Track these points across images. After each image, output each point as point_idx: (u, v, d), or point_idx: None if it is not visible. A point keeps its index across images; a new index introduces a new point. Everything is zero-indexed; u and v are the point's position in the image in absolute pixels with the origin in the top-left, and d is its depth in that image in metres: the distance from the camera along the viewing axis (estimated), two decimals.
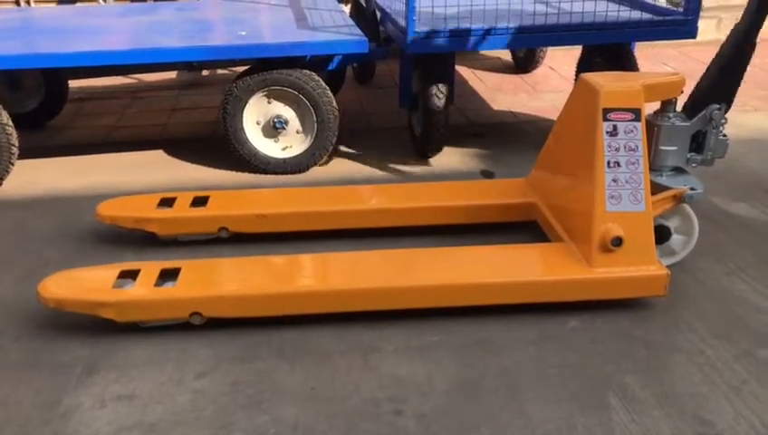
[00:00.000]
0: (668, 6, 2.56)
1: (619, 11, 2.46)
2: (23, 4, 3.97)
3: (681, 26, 2.47)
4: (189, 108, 3.40)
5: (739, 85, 1.81)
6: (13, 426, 1.44)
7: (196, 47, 2.37)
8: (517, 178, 2.25)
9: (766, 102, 3.41)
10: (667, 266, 1.74)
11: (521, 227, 2.09)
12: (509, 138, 2.99)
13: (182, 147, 2.88)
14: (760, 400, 1.49)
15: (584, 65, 2.92)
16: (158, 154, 2.83)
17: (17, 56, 2.36)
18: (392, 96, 2.81)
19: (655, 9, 2.60)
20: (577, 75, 3.03)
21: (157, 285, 1.61)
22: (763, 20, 1.76)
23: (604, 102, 1.69)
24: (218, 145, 2.64)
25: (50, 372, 1.58)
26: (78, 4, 3.88)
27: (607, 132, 1.69)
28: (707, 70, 1.83)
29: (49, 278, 1.65)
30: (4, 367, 1.60)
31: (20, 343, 1.68)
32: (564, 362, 1.59)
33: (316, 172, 2.62)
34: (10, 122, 2.44)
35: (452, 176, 2.58)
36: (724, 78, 1.79)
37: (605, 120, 1.69)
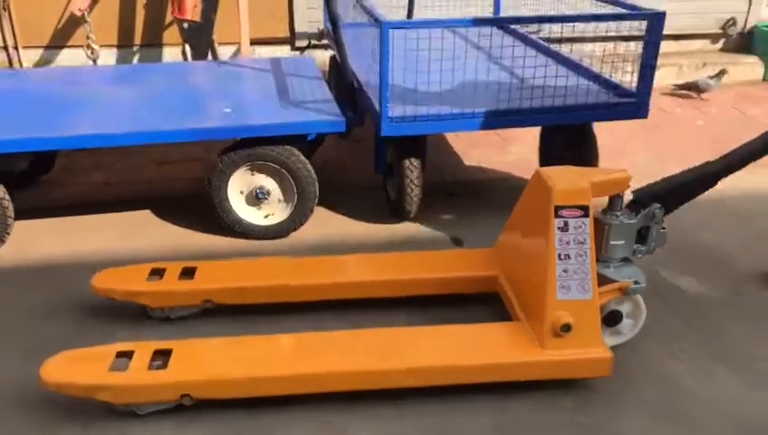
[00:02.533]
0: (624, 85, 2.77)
1: (577, 92, 2.66)
2: (15, 63, 4.12)
3: (634, 108, 2.68)
4: (177, 160, 3.53)
5: (685, 202, 2.03)
6: None
7: (187, 130, 2.53)
8: (482, 248, 2.43)
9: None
10: (614, 347, 1.93)
11: (486, 297, 2.26)
12: (478, 198, 3.17)
13: (170, 207, 3.01)
14: None
15: (548, 134, 3.15)
16: (147, 216, 2.96)
17: (13, 141, 2.49)
18: (370, 151, 2.98)
19: (611, 86, 2.80)
20: (541, 141, 3.25)
21: (150, 368, 1.75)
22: (744, 166, 2.00)
23: (556, 200, 1.87)
24: (204, 205, 2.77)
25: None
26: (70, 66, 4.03)
27: (558, 228, 1.87)
28: (667, 178, 2.04)
29: (49, 361, 1.78)
30: None
31: (32, 427, 1.80)
32: None
33: (296, 236, 2.78)
34: (7, 196, 2.57)
35: (424, 239, 2.77)
36: (671, 194, 2.00)
37: (557, 216, 1.87)
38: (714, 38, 5.11)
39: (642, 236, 2.06)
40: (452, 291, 2.27)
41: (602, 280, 1.99)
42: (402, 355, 1.87)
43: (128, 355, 1.80)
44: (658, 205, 2.03)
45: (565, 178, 1.92)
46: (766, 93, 4.70)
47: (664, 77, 4.82)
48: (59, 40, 4.25)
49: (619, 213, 2.03)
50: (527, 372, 1.88)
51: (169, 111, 2.73)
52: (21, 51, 4.20)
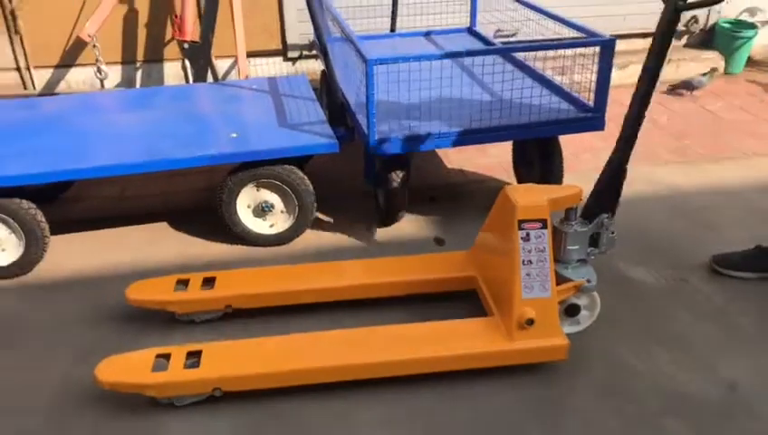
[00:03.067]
0: (584, 100, 3.12)
1: (543, 109, 3.01)
2: (28, 85, 4.43)
3: (593, 121, 3.04)
4: (185, 173, 3.85)
5: (618, 200, 2.38)
6: None
7: (199, 156, 2.87)
8: (461, 250, 2.78)
9: (677, 154, 3.98)
10: (573, 334, 2.31)
11: (466, 294, 2.63)
12: (459, 201, 3.51)
13: (184, 218, 3.34)
14: None
15: (520, 143, 3.51)
16: (164, 227, 3.30)
17: (39, 174, 2.81)
18: (360, 158, 3.30)
19: (573, 101, 3.16)
20: (513, 148, 3.61)
21: (185, 367, 2.13)
22: (631, 146, 2.34)
23: (519, 215, 2.23)
24: (215, 217, 3.09)
25: None
26: (81, 93, 4.33)
27: (522, 238, 2.24)
28: (596, 185, 2.40)
29: (101, 364, 2.14)
30: None
31: (80, 424, 2.16)
32: (487, 422, 2.14)
33: (298, 242, 3.14)
34: (43, 218, 2.91)
35: (409, 242, 3.11)
36: (605, 198, 2.36)
37: (520, 229, 2.23)
38: (677, 35, 5.45)
39: (594, 240, 2.43)
40: (437, 290, 2.64)
41: (561, 279, 2.37)
42: (394, 348, 2.24)
43: (166, 357, 2.16)
44: (606, 214, 2.39)
45: (527, 196, 2.28)
46: (726, 87, 5.06)
47: (631, 75, 5.18)
48: (68, 60, 4.54)
49: (573, 222, 2.39)
50: (499, 359, 2.27)
51: (180, 139, 3.04)
52: (32, 71, 4.51)
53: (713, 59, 5.29)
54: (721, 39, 5.29)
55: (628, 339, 2.48)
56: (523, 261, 2.23)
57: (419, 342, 2.27)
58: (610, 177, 2.35)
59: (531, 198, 2.25)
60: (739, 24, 5.28)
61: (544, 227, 2.24)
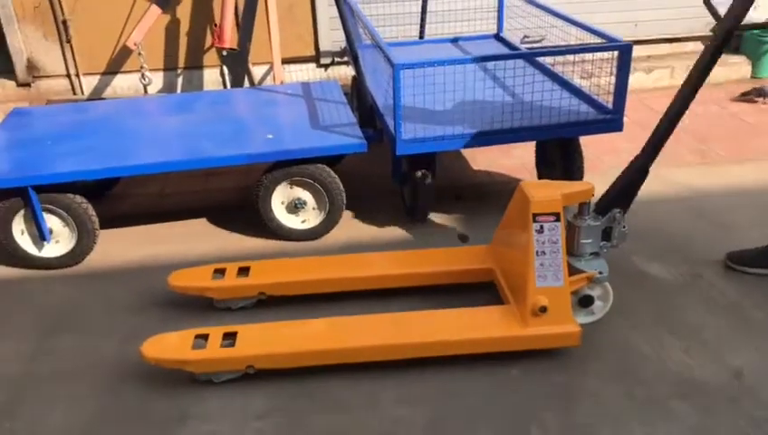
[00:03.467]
0: (604, 103, 3.24)
1: (565, 110, 3.15)
2: (77, 90, 4.71)
3: (611, 123, 3.16)
4: (221, 172, 4.07)
5: (631, 201, 2.51)
6: None
7: (239, 155, 3.08)
8: (483, 244, 2.93)
9: (699, 156, 4.05)
10: (588, 324, 2.44)
11: (484, 285, 2.78)
12: (483, 200, 3.66)
13: (222, 216, 3.54)
14: (631, 427, 2.16)
15: (542, 144, 3.65)
16: (203, 224, 3.52)
17: (86, 171, 3.03)
18: (388, 160, 3.42)
19: (594, 103, 3.29)
20: (536, 149, 3.75)
21: (222, 346, 2.32)
22: (658, 151, 2.46)
23: (534, 209, 2.37)
24: (250, 214, 3.30)
25: (157, 416, 2.28)
26: (128, 98, 4.60)
27: (536, 231, 2.37)
28: (614, 182, 2.52)
29: (147, 342, 2.35)
30: (124, 416, 2.29)
31: (129, 396, 2.37)
32: (505, 402, 2.28)
33: (328, 237, 3.32)
34: (94, 212, 3.14)
35: (434, 238, 3.26)
36: (621, 196, 2.49)
37: (534, 221, 2.37)
38: (703, 40, 5.51)
39: (607, 234, 2.55)
40: (457, 281, 2.79)
41: (575, 271, 2.50)
42: (418, 332, 2.40)
43: (204, 337, 2.36)
44: (618, 209, 2.52)
45: (541, 191, 2.41)
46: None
47: (657, 79, 5.28)
48: (114, 67, 4.82)
49: (587, 217, 2.52)
50: (515, 344, 2.41)
51: (219, 139, 3.26)
52: (81, 77, 4.80)
53: (740, 63, 5.34)
54: (748, 44, 5.35)
55: (641, 328, 2.60)
56: (537, 252, 2.36)
57: (441, 326, 2.42)
58: (632, 177, 2.48)
59: (545, 192, 2.38)
60: (766, 30, 5.32)
61: (557, 220, 2.37)
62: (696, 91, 2.41)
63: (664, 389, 2.32)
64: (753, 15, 5.34)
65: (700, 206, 3.47)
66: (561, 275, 2.36)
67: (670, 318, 2.66)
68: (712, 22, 5.32)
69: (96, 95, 4.86)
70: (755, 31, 5.29)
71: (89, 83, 4.84)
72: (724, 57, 5.34)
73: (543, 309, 2.35)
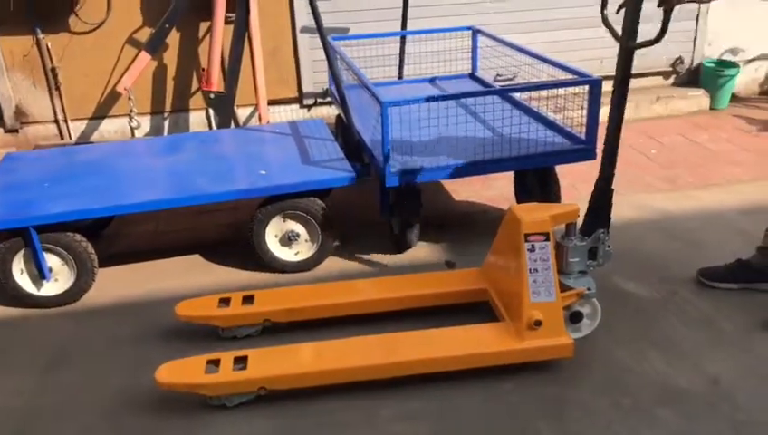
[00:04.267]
0: (577, 133, 3.46)
1: (541, 142, 3.36)
2: (65, 135, 4.81)
3: (585, 152, 3.38)
4: (212, 210, 4.15)
5: (610, 216, 2.70)
6: None
7: (233, 190, 3.21)
8: (473, 267, 3.09)
9: (668, 182, 4.29)
10: (576, 340, 2.60)
11: (477, 307, 2.91)
12: (466, 228, 3.82)
13: (214, 251, 3.64)
14: (618, 432, 2.30)
15: (520, 174, 3.85)
16: (198, 260, 3.62)
17: (85, 210, 3.13)
18: (374, 192, 3.54)
19: (567, 134, 3.50)
20: (515, 179, 3.95)
21: (234, 369, 2.42)
22: (614, 162, 2.68)
23: (525, 229, 2.53)
24: (242, 249, 3.42)
25: None
26: (118, 141, 4.71)
27: (528, 250, 2.54)
28: (589, 204, 2.72)
29: (160, 369, 2.43)
30: None
31: (138, 425, 2.44)
32: (500, 414, 2.41)
33: (321, 268, 3.44)
34: (92, 248, 3.23)
35: (422, 266, 3.39)
36: (598, 215, 2.68)
37: (526, 241, 2.54)
38: (665, 75, 5.85)
39: (593, 253, 2.73)
40: (453, 301, 2.93)
41: (565, 289, 2.67)
42: (416, 350, 2.53)
43: (215, 362, 2.46)
44: (602, 230, 2.70)
45: (531, 213, 2.58)
46: (711, 121, 5.43)
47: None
48: (102, 111, 4.93)
49: (574, 238, 2.70)
50: (511, 357, 2.55)
51: (213, 176, 3.38)
52: (69, 123, 4.90)
53: (699, 96, 5.67)
54: (706, 78, 5.68)
55: (623, 342, 2.77)
56: (530, 269, 2.52)
57: (439, 343, 2.56)
58: (600, 195, 2.67)
59: (535, 214, 2.56)
60: (722, 64, 5.68)
61: (547, 239, 2.54)
62: (624, 97, 2.67)
63: (648, 397, 2.48)
64: (708, 52, 5.71)
65: (672, 228, 3.68)
66: (553, 290, 2.52)
67: (650, 332, 2.83)
68: (672, 57, 5.67)
69: (83, 139, 4.96)
70: (712, 65, 5.64)
71: (76, 128, 4.94)
72: (684, 91, 5.71)
73: (538, 323, 2.50)
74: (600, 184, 2.68)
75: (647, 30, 2.65)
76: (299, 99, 5.20)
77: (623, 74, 2.63)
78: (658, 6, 2.50)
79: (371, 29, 4.80)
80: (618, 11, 2.64)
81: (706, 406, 2.43)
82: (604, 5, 2.78)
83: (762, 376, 2.56)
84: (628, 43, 2.59)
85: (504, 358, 2.54)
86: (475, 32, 4.50)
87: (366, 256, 3.55)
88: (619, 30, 2.67)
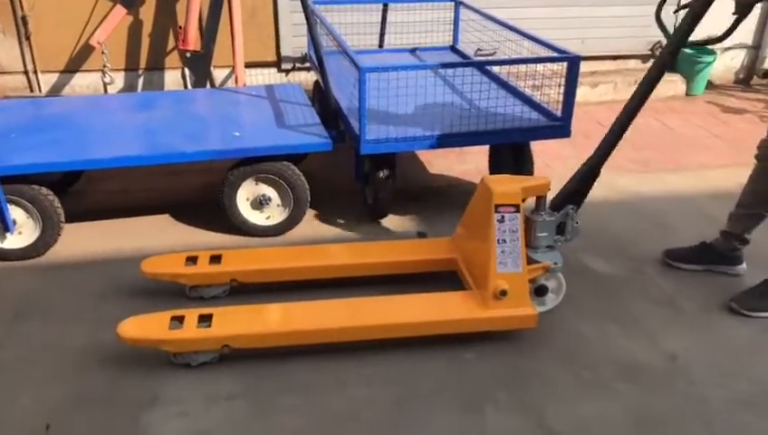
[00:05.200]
0: (553, 110, 3.47)
1: (517, 117, 3.36)
2: (35, 88, 4.69)
3: (560, 129, 3.39)
4: (183, 171, 4.10)
5: (584, 198, 2.72)
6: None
7: (205, 151, 3.16)
8: (444, 237, 3.10)
9: (640, 164, 4.34)
10: (540, 313, 2.63)
11: (448, 276, 2.93)
12: (440, 201, 3.84)
13: (185, 212, 3.60)
14: (578, 405, 2.35)
15: (495, 149, 3.86)
16: (167, 219, 3.58)
17: (52, 163, 3.07)
18: (349, 161, 3.57)
19: (544, 111, 3.52)
20: (490, 153, 3.96)
21: (198, 326, 2.41)
22: (608, 156, 2.70)
23: (496, 200, 2.55)
24: (213, 211, 3.39)
25: (128, 399, 2.34)
26: (91, 95, 4.62)
27: (497, 220, 2.55)
28: (569, 181, 2.74)
29: (123, 323, 2.41)
30: (95, 398, 2.34)
31: (101, 380, 2.42)
32: (462, 382, 2.44)
33: (292, 234, 3.43)
34: (58, 203, 3.16)
35: (394, 236, 3.42)
36: (574, 194, 2.70)
37: (496, 212, 2.55)
38: (644, 58, 5.88)
39: (561, 229, 2.76)
40: (422, 270, 2.94)
41: (532, 262, 2.69)
42: (383, 314, 2.55)
43: (179, 319, 2.44)
44: (571, 205, 2.73)
45: (502, 184, 2.60)
46: (686, 106, 5.49)
47: (601, 93, 5.60)
48: (74, 65, 4.82)
49: (543, 212, 2.72)
50: (477, 325, 2.58)
51: (186, 135, 3.33)
52: (40, 75, 4.78)
53: (676, 81, 5.72)
54: (683, 63, 5.73)
55: (587, 317, 2.81)
56: (498, 240, 2.54)
57: (405, 309, 2.58)
58: (584, 176, 2.70)
59: (506, 185, 2.57)
60: (700, 50, 5.72)
61: (517, 211, 2.56)
62: (643, 102, 2.65)
63: (608, 371, 2.53)
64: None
65: (641, 209, 3.73)
66: (520, 262, 2.55)
67: (613, 308, 2.88)
68: (653, 41, 5.71)
69: (54, 93, 4.85)
70: (690, 51, 5.68)
71: (47, 81, 4.82)
72: None
73: (504, 293, 2.52)
74: (590, 165, 2.70)
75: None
76: (277, 63, 5.13)
77: (656, 74, 2.61)
78: (734, 14, 2.49)
79: None
80: (676, 11, 2.64)
81: (663, 381, 2.49)
82: (661, 4, 2.75)
83: (716, 354, 2.63)
84: (676, 44, 2.56)
85: (469, 326, 2.57)
86: (458, 4, 4.47)
87: (338, 224, 3.54)
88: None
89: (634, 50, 5.77)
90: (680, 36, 2.56)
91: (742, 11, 2.47)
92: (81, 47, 4.75)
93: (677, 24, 2.59)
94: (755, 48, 5.97)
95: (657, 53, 5.79)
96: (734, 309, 2.85)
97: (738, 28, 2.53)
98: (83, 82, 4.87)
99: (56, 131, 3.40)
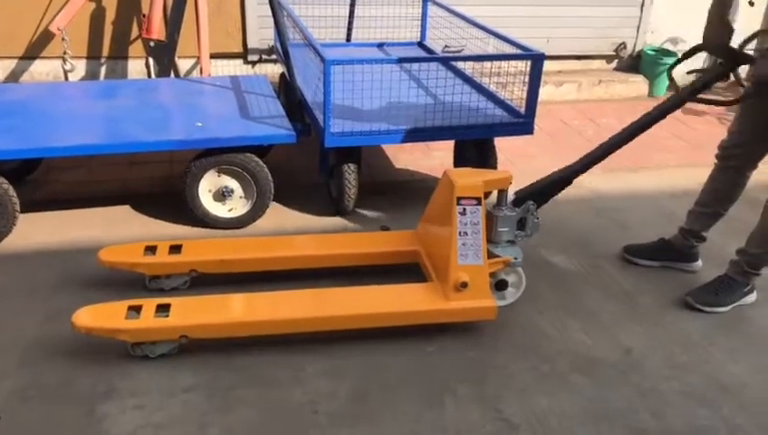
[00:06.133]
0: (516, 107, 3.50)
1: (482, 113, 3.39)
2: None
3: (523, 126, 3.43)
4: (145, 162, 4.05)
5: (550, 198, 2.76)
6: (64, 428, 2.16)
7: (167, 141, 3.11)
8: (407, 230, 3.10)
9: (601, 164, 4.39)
10: (500, 307, 2.66)
11: (411, 269, 2.93)
12: (404, 195, 3.85)
13: (146, 203, 3.55)
14: (535, 398, 2.38)
15: (460, 145, 3.89)
16: (127, 210, 3.52)
17: (8, 150, 3.00)
18: (314, 154, 3.57)
19: (508, 108, 3.55)
20: (455, 149, 3.98)
21: (155, 316, 2.37)
22: (587, 169, 2.76)
23: (458, 193, 2.56)
24: (175, 202, 3.35)
25: (83, 391, 2.29)
26: (51, 82, 4.51)
27: (459, 213, 2.56)
28: (539, 180, 2.77)
29: (79, 312, 2.36)
30: (48, 391, 2.29)
31: (54, 372, 2.37)
32: (422, 375, 2.45)
33: (254, 226, 3.40)
34: (14, 192, 3.09)
35: (359, 228, 3.41)
36: (540, 194, 2.74)
37: (458, 204, 2.56)
38: (609, 59, 5.98)
39: (522, 224, 2.79)
40: (385, 262, 2.94)
41: (493, 256, 2.72)
42: (348, 305, 2.54)
43: (137, 309, 2.40)
44: (532, 202, 2.76)
45: (464, 177, 2.61)
46: (648, 107, 5.52)
47: (566, 93, 5.66)
48: (33, 51, 4.71)
49: (504, 207, 2.75)
50: (437, 316, 2.59)
51: (148, 125, 3.28)
52: None
53: (639, 82, 5.82)
54: (646, 65, 5.83)
55: (546, 312, 2.85)
56: (460, 232, 2.56)
57: (367, 300, 2.58)
58: (557, 181, 2.75)
59: (468, 178, 2.59)
60: (662, 52, 5.83)
61: (479, 203, 2.58)
62: (639, 132, 2.83)
63: (565, 364, 2.57)
64: (650, 39, 5.85)
65: (602, 206, 3.79)
66: (480, 254, 2.57)
67: (572, 303, 2.92)
68: (617, 42, 5.80)
69: (13, 79, 4.73)
70: (652, 53, 5.78)
71: (5, 67, 4.71)
72: (625, 76, 5.85)
73: (464, 285, 2.54)
74: (567, 172, 2.78)
75: None
76: (243, 54, 5.09)
77: (658, 115, 2.77)
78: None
79: None
80: (690, 72, 2.86)
81: (618, 374, 2.53)
82: (675, 64, 2.97)
83: (670, 348, 2.68)
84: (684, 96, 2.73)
85: (430, 317, 2.58)
86: (426, 0, 4.47)
87: (302, 217, 3.53)
88: None
89: (599, 50, 5.86)
90: (702, 84, 2.77)
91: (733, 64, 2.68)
92: (40, 33, 4.65)
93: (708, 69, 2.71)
94: None
95: (622, 53, 5.89)
96: (689, 304, 2.91)
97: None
98: (43, 69, 4.76)
99: (13, 118, 3.32)
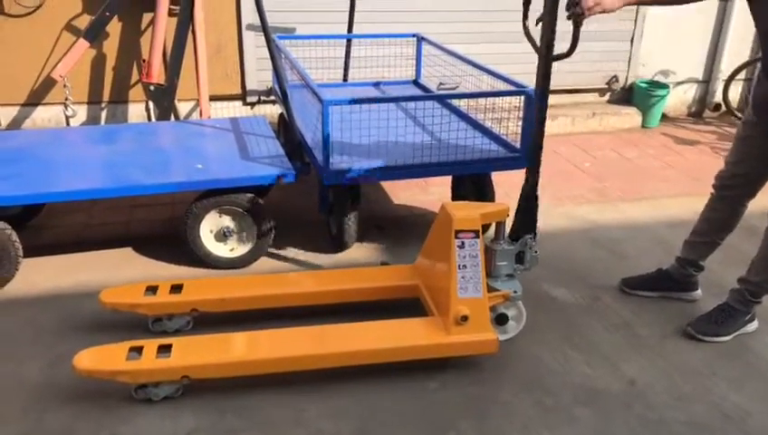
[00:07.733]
0: (512, 142, 3.56)
1: (477, 149, 3.44)
2: None
3: (518, 160, 3.47)
4: (147, 204, 4.10)
5: (536, 221, 2.78)
6: None
7: (168, 183, 3.16)
8: (406, 265, 3.11)
9: (598, 194, 4.45)
10: (501, 341, 2.66)
11: (412, 304, 2.93)
12: (403, 231, 3.88)
13: (148, 245, 3.58)
14: (539, 432, 2.36)
15: (457, 180, 3.93)
16: (129, 252, 3.55)
17: (11, 196, 3.05)
18: (313, 192, 3.59)
19: (503, 143, 3.60)
20: (452, 184, 4.03)
21: (157, 356, 2.38)
22: (537, 178, 2.76)
23: (456, 226, 2.58)
24: (176, 244, 3.38)
25: None
26: (53, 128, 4.57)
27: (458, 246, 2.58)
28: (515, 212, 2.80)
29: (79, 354, 2.37)
30: None
31: (57, 418, 2.37)
32: (425, 412, 2.45)
33: (256, 266, 3.42)
34: (16, 237, 3.11)
35: (359, 264, 3.42)
36: (524, 220, 2.76)
37: (456, 237, 2.58)
38: (601, 92, 6.07)
39: (520, 258, 2.81)
40: (384, 297, 2.95)
41: (492, 290, 2.73)
42: (347, 342, 2.55)
43: (138, 350, 2.41)
44: (530, 235, 2.79)
45: (462, 210, 2.63)
46: (642, 138, 5.66)
47: (561, 126, 5.74)
48: (35, 98, 4.78)
49: (502, 241, 2.78)
50: (439, 350, 2.59)
51: (149, 168, 3.32)
52: None
53: (632, 114, 5.90)
54: (638, 97, 5.92)
55: (547, 344, 2.85)
56: (459, 265, 2.57)
57: (368, 336, 2.58)
58: (526, 200, 2.76)
59: (465, 211, 2.62)
60: (654, 84, 5.93)
61: (477, 236, 2.60)
62: (544, 108, 2.72)
63: (568, 397, 2.56)
64: (642, 72, 5.95)
65: (599, 238, 3.82)
66: (480, 287, 2.58)
67: (573, 335, 2.93)
68: (609, 75, 5.89)
69: (15, 126, 4.80)
70: (644, 85, 5.88)
71: (7, 114, 4.78)
72: (617, 108, 5.94)
73: (465, 318, 2.55)
74: (526, 190, 2.77)
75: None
76: (242, 96, 5.17)
77: (542, 85, 2.69)
78: (567, 19, 2.57)
79: (318, 30, 4.81)
80: (537, 23, 2.66)
81: (622, 405, 2.53)
82: (525, 17, 2.84)
83: (672, 378, 2.68)
84: (546, 55, 2.63)
85: (431, 351, 2.58)
86: (420, 39, 4.57)
87: (303, 255, 3.55)
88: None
89: (591, 84, 5.95)
90: (546, 47, 2.59)
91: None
92: (42, 80, 4.73)
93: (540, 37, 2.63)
94: (705, 82, 6.20)
95: (614, 86, 5.99)
96: (690, 334, 2.92)
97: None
98: (45, 115, 4.83)
99: (16, 164, 3.37)
